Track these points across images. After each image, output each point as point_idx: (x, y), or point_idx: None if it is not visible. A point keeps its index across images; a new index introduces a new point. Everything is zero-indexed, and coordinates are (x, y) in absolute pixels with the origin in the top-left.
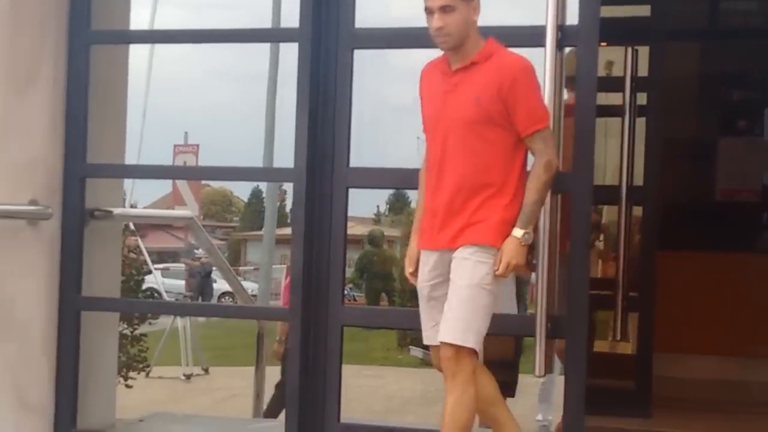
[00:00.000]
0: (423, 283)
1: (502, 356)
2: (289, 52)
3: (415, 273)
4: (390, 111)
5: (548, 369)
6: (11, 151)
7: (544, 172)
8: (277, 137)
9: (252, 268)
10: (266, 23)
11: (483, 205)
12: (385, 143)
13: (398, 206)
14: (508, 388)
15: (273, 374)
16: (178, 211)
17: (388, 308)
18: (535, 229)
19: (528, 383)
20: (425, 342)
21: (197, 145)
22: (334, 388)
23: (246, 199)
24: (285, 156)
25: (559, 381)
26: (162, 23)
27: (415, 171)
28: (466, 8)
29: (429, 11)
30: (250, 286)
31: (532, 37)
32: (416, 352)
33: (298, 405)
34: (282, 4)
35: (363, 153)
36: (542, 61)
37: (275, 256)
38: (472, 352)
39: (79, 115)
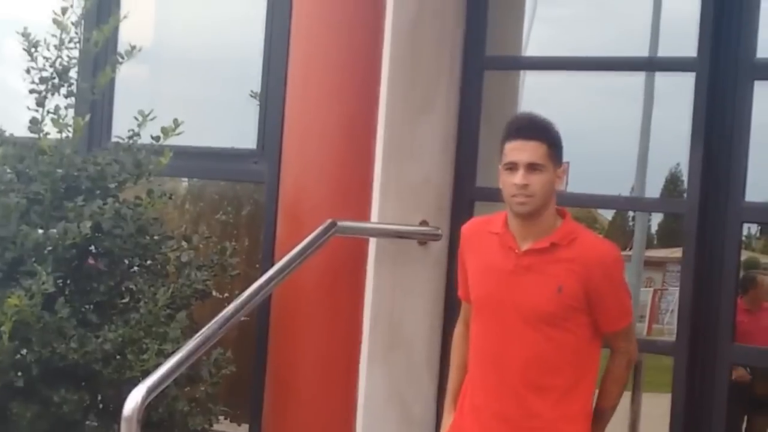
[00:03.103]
0: None
1: None
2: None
3: None
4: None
5: None
6: (405, 172)
7: (626, 373)
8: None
9: None
10: (639, 39)
11: (564, 418)
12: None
13: None
14: None
15: (650, 401)
16: None
17: None
18: None
19: None
20: None
21: (567, 163)
22: (720, 430)
23: (610, 218)
24: (655, 177)
25: None
26: (533, 42)
27: None
28: (553, 172)
29: (512, 166)
30: None
31: None
32: None
33: None
34: (660, 20)
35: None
36: None
37: (641, 278)
38: None
39: (471, 139)
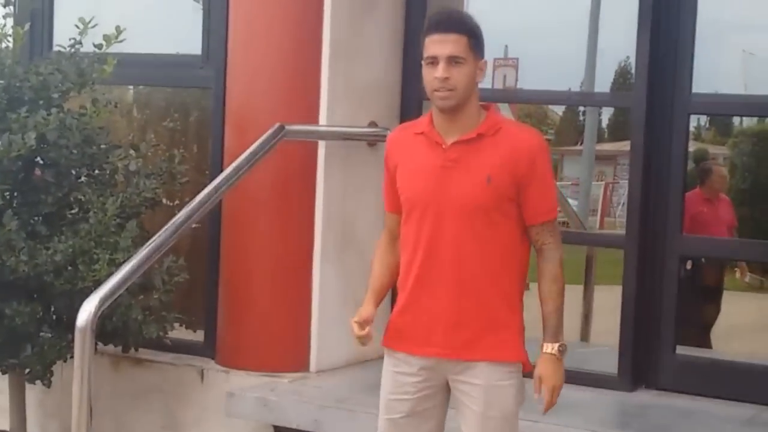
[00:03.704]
0: (403, 396)
1: None
2: None
3: (367, 336)
4: (714, 29)
5: None
6: (353, 73)
7: (560, 270)
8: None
9: (569, 183)
10: None
11: (498, 310)
12: (709, 64)
13: (720, 120)
14: None
15: (602, 294)
16: None
17: (731, 239)
18: None
19: None
20: None
21: (516, 59)
22: (670, 320)
23: (561, 113)
24: (606, 68)
25: None
26: None
27: (762, 97)
28: (474, 65)
29: (433, 60)
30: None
31: None
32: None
33: (632, 334)
34: None
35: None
36: None
37: (592, 172)
38: None
39: (419, 38)
